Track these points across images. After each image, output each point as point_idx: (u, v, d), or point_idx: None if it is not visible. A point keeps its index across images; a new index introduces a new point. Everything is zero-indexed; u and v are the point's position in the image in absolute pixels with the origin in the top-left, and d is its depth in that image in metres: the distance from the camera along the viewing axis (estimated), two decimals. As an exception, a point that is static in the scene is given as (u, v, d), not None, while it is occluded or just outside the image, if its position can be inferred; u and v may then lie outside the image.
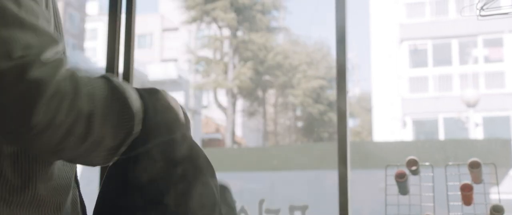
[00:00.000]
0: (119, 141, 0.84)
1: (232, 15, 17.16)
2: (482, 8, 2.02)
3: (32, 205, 0.88)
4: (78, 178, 1.05)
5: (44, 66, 0.77)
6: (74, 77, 0.80)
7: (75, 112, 0.77)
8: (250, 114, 18.36)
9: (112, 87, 0.84)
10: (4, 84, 0.74)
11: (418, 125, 15.97)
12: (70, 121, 0.77)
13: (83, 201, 1.05)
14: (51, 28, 0.86)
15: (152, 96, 0.92)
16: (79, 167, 1.06)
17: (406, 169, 2.09)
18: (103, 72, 0.88)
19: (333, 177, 2.40)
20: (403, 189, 2.10)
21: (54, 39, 0.82)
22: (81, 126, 0.78)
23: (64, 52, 0.86)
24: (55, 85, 0.77)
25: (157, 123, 0.91)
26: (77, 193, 1.03)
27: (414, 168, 2.09)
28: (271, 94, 18.21)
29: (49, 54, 0.78)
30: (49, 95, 0.76)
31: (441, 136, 15.26)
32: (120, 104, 0.83)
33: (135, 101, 0.86)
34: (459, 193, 2.00)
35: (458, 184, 2.01)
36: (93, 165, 0.88)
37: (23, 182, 0.87)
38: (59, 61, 0.79)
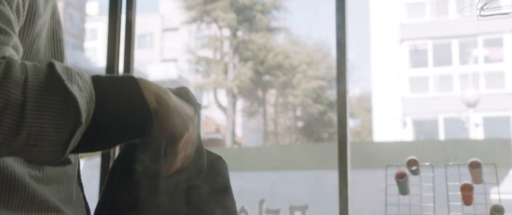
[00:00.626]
0: (66, 135, 0.75)
1: (232, 15, 17.16)
2: (482, 8, 2.02)
3: (33, 205, 0.88)
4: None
5: None
6: (6, 66, 0.73)
7: (2, 100, 0.71)
8: (250, 114, 18.36)
9: (52, 75, 0.75)
10: None
11: (418, 125, 15.97)
12: None
13: (87, 204, 1.05)
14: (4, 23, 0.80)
15: (115, 84, 0.81)
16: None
17: (406, 169, 2.09)
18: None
19: (333, 177, 2.40)
20: (403, 189, 2.10)
21: None
22: (11, 116, 0.72)
23: (14, 46, 0.80)
24: None
25: (116, 117, 0.79)
26: (81, 195, 1.03)
27: (414, 168, 2.09)
28: (271, 95, 18.21)
29: None
30: None
31: (441, 136, 15.26)
32: (59, 93, 0.74)
33: (82, 90, 0.76)
34: (459, 193, 2.00)
35: (458, 184, 2.01)
36: (44, 162, 0.83)
37: (20, 183, 0.87)
38: None
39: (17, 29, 0.83)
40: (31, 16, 0.88)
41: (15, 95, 0.72)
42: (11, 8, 0.82)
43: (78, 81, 0.77)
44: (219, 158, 1.01)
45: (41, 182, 0.90)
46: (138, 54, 18.04)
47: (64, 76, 0.76)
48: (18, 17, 0.85)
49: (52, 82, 0.75)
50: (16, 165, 0.87)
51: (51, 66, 0.77)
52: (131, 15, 2.55)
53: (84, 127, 0.76)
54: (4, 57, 0.75)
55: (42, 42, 0.92)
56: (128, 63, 2.53)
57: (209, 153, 0.99)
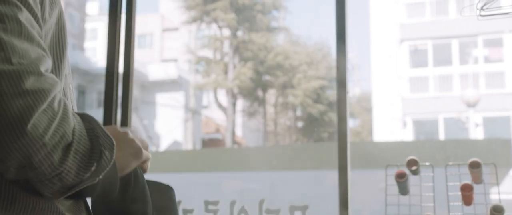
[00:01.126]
0: (77, 182, 0.82)
1: (232, 15, 17.16)
2: (482, 8, 2.02)
3: (35, 211, 0.88)
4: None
5: (42, 77, 0.78)
6: (64, 103, 0.80)
7: (59, 136, 0.77)
8: (250, 114, 18.36)
9: (89, 128, 0.83)
10: (1, 88, 0.75)
11: (418, 125, 15.97)
12: (53, 144, 0.77)
13: (88, 206, 1.05)
14: (42, 42, 0.85)
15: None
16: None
17: (406, 169, 2.09)
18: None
19: (333, 177, 2.40)
20: (403, 189, 2.10)
21: (47, 54, 0.83)
22: (59, 153, 0.77)
23: (52, 71, 0.87)
24: (50, 100, 0.77)
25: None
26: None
27: (414, 168, 2.09)
28: (271, 95, 18.20)
29: (43, 67, 0.79)
30: (43, 109, 0.76)
31: (441, 136, 15.25)
32: (93, 145, 0.82)
33: (110, 149, 0.85)
34: (459, 193, 2.00)
35: (458, 184, 2.01)
36: (41, 193, 0.85)
37: (21, 189, 0.86)
38: (55, 80, 0.80)
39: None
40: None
41: (67, 136, 0.79)
42: (37, 21, 0.85)
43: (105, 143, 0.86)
44: (163, 188, 1.10)
45: None
46: (138, 54, 18.04)
47: (98, 132, 0.84)
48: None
49: (91, 136, 0.82)
50: None
51: (86, 118, 0.85)
52: (131, 15, 2.55)
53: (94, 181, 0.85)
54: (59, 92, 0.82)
55: (46, 46, 0.92)
56: (128, 63, 2.53)
57: (156, 185, 1.09)
